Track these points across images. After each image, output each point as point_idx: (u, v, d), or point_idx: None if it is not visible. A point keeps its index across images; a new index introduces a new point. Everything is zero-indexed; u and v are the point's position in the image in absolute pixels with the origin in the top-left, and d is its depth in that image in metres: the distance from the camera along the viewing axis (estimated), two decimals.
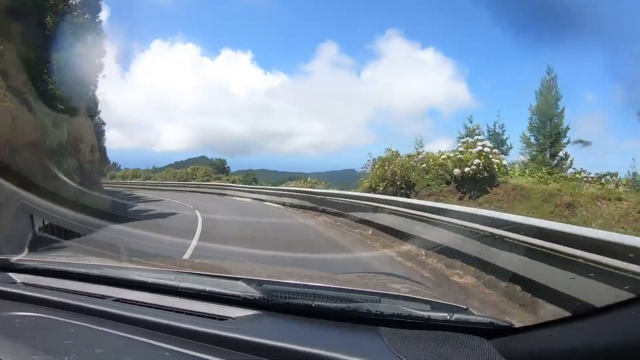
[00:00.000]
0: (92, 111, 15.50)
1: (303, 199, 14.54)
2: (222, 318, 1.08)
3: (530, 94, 16.73)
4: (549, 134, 15.68)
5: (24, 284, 1.39)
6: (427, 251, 6.21)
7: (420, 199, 9.48)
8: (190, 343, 0.96)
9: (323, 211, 12.39)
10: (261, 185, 24.50)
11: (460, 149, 10.12)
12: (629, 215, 6.11)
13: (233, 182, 26.16)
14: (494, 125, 17.20)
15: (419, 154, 12.84)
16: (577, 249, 3.24)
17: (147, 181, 33.33)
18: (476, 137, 10.92)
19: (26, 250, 2.23)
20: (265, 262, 4.83)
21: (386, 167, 11.19)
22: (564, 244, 3.41)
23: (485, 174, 9.17)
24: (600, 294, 2.91)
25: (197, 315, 1.09)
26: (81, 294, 1.26)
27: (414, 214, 7.08)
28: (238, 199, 20.21)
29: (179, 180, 30.28)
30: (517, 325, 1.08)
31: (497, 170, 9.35)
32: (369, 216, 9.20)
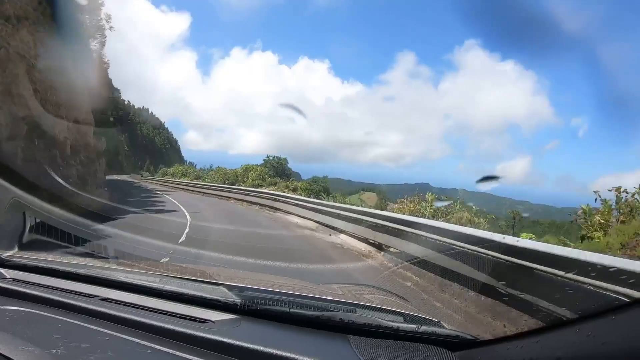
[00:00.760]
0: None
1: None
2: (202, 321, 1.13)
3: None
4: None
5: (13, 279, 1.43)
6: None
7: None
8: (172, 343, 1.02)
9: None
10: (334, 198, 16.98)
11: None
12: None
13: (294, 190, 19.38)
14: None
15: None
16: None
17: (192, 182, 28.95)
18: None
19: (16, 247, 2.27)
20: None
21: None
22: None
23: None
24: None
25: (179, 317, 1.15)
26: (69, 292, 1.31)
27: None
28: (293, 220, 12.31)
29: (225, 183, 24.72)
30: (482, 338, 1.15)
31: None
32: None
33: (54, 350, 0.90)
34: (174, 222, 9.73)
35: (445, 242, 4.90)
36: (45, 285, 1.37)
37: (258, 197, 17.15)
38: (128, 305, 1.22)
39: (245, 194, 18.71)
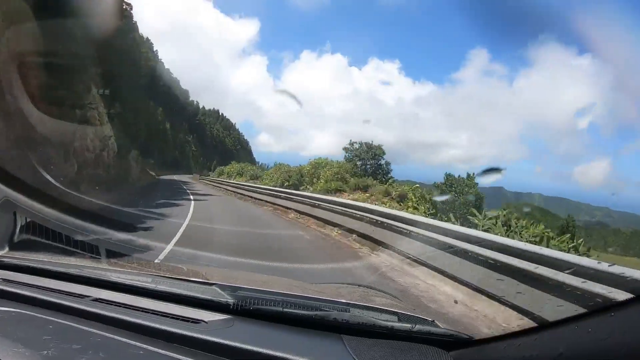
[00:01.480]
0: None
1: None
2: (195, 321, 1.13)
3: None
4: None
5: (3, 280, 1.41)
6: None
7: None
8: (164, 343, 1.01)
9: None
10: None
11: None
12: None
13: (401, 201, 11.92)
14: None
15: None
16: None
17: (246, 183, 22.99)
18: None
19: (7, 248, 2.23)
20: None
21: None
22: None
23: None
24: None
25: (172, 318, 1.14)
26: (60, 292, 1.30)
27: None
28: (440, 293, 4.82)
29: (285, 185, 18.35)
30: (477, 337, 1.15)
31: None
32: None
33: (45, 352, 0.89)
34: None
35: None
36: (36, 285, 1.36)
37: (339, 211, 9.21)
38: (120, 306, 1.21)
39: (314, 205, 11.00)
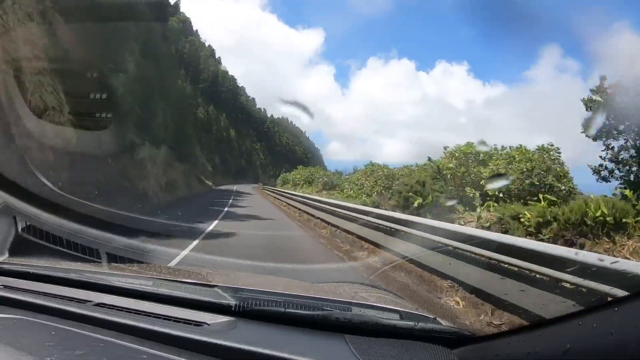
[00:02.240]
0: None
1: None
2: (197, 323, 1.13)
3: None
4: None
5: (4, 286, 1.41)
6: None
7: None
8: (167, 347, 1.01)
9: None
10: None
11: None
12: None
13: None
14: None
15: None
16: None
17: (318, 197, 14.55)
18: None
19: (7, 254, 2.23)
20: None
21: None
22: None
23: None
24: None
25: (174, 320, 1.14)
26: (61, 298, 1.30)
27: None
28: None
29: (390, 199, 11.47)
30: (480, 334, 1.16)
31: None
32: None
33: (49, 358, 0.89)
34: None
35: None
36: (37, 291, 1.35)
37: None
38: (122, 310, 1.21)
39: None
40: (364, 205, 9.63)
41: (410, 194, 9.23)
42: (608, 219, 5.31)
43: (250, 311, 1.18)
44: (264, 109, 64.11)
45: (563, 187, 9.59)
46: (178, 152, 20.24)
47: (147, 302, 1.27)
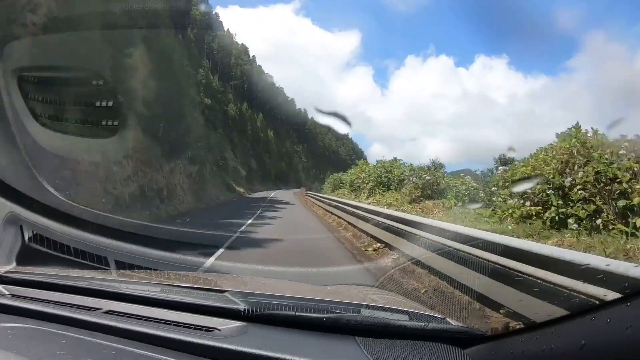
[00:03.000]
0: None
1: None
2: (208, 329, 1.12)
3: None
4: None
5: (12, 295, 1.41)
6: None
7: None
8: (178, 353, 1.01)
9: None
10: None
11: None
12: None
13: None
14: None
15: None
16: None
17: (392, 217, 6.19)
18: None
19: (14, 263, 2.23)
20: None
21: None
22: None
23: None
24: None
25: (184, 327, 1.13)
26: (71, 306, 1.30)
27: None
28: None
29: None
30: (490, 333, 1.14)
31: None
32: None
33: None
34: None
35: None
36: (46, 300, 1.35)
37: None
38: (132, 317, 1.20)
39: None
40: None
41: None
42: None
43: (260, 315, 1.17)
44: (305, 109, 59.20)
45: None
46: (173, 148, 14.80)
47: (157, 308, 1.26)
